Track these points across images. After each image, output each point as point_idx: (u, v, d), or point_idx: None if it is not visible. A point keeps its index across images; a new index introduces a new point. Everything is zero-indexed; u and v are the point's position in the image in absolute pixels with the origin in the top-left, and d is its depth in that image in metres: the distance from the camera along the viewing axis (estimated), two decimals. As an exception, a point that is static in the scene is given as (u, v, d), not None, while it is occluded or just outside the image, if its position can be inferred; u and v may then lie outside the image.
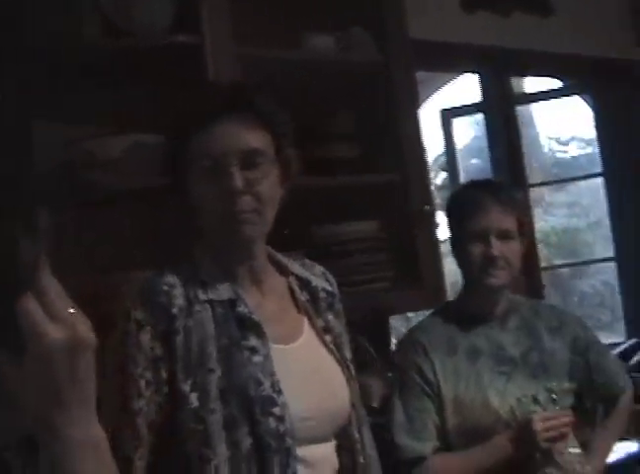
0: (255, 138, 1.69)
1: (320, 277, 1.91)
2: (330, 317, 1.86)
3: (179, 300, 1.64)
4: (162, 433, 1.62)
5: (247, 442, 1.58)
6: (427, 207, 2.73)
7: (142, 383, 1.60)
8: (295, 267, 1.86)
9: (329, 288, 1.90)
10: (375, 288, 2.69)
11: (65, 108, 2.41)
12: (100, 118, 2.47)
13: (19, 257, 0.87)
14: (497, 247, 2.37)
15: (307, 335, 1.79)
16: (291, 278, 1.84)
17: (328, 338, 1.82)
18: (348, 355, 1.87)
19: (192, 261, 1.74)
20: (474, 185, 2.56)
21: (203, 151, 1.67)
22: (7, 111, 2.16)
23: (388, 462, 2.31)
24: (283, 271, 1.84)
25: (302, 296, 1.83)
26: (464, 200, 2.47)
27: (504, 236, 2.39)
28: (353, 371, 1.84)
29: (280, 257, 1.85)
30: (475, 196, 2.45)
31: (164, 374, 1.61)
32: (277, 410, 1.60)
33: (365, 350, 3.00)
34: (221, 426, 1.58)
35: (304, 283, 1.85)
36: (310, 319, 1.82)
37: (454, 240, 2.48)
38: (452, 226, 2.50)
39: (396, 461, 2.32)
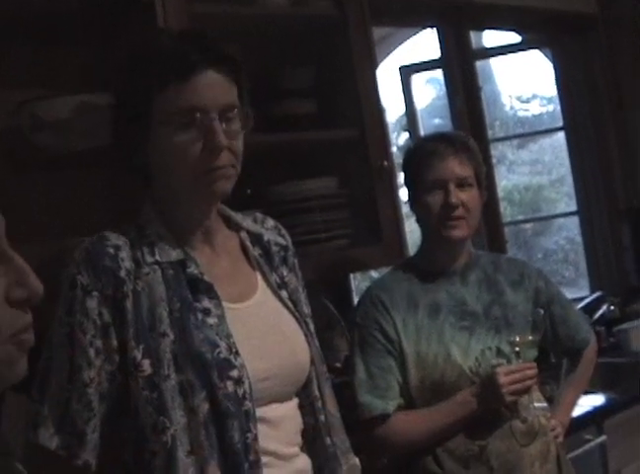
0: (230, 92, 1.63)
1: (272, 231, 1.86)
2: (285, 272, 1.82)
3: (126, 263, 1.58)
4: (115, 403, 1.57)
5: (205, 408, 1.53)
6: (386, 163, 2.70)
7: (92, 352, 1.54)
8: (247, 221, 1.81)
9: (282, 242, 1.85)
10: (336, 245, 2.66)
11: (9, 70, 2.34)
12: (45, 79, 2.40)
13: None
14: (456, 195, 2.35)
15: (262, 292, 1.74)
16: (243, 234, 1.79)
17: (284, 293, 1.77)
18: (306, 310, 1.83)
19: (138, 222, 1.68)
20: (429, 137, 2.53)
21: (184, 104, 1.58)
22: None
23: (352, 421, 2.31)
24: (234, 226, 1.79)
25: (255, 252, 1.78)
26: (420, 153, 2.44)
27: (462, 184, 2.36)
28: (311, 327, 1.80)
29: (230, 212, 1.79)
30: (431, 146, 2.42)
31: (114, 341, 1.55)
32: (234, 373, 1.55)
33: (328, 309, 2.98)
34: (177, 392, 1.53)
35: (256, 238, 1.80)
36: (264, 275, 1.76)
37: (413, 194, 2.45)
38: (410, 180, 2.46)
39: (359, 420, 2.31)
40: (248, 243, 1.78)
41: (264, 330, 1.67)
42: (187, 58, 1.59)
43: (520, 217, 6.28)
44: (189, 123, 1.58)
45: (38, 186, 2.37)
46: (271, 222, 1.88)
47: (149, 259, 1.61)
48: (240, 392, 1.55)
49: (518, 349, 2.32)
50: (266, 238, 1.81)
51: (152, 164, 1.65)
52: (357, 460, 1.85)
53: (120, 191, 2.29)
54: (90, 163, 2.35)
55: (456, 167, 2.36)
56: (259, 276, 1.76)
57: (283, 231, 1.89)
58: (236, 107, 1.64)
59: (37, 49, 2.37)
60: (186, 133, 1.58)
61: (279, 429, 1.65)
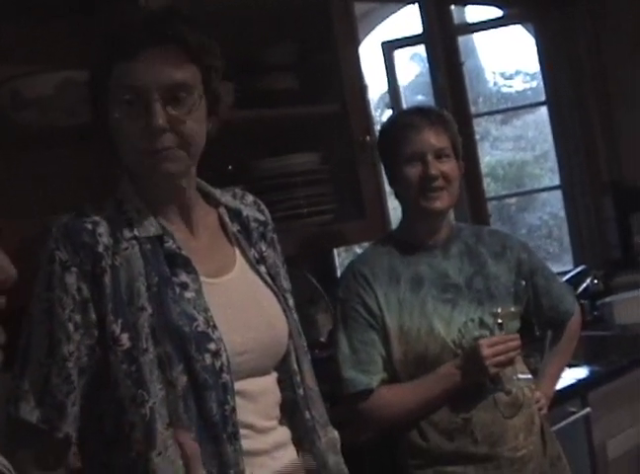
0: (180, 72, 1.59)
1: (251, 207, 1.86)
2: (263, 247, 1.82)
3: (104, 238, 1.58)
4: (94, 377, 1.58)
5: (183, 381, 1.54)
6: (368, 138, 2.69)
7: (71, 326, 1.55)
8: (225, 197, 1.81)
9: (261, 218, 1.86)
10: (319, 221, 2.66)
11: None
12: (30, 56, 2.38)
13: None
14: (435, 165, 2.34)
15: (240, 267, 1.75)
16: (222, 209, 1.79)
17: (262, 268, 1.78)
18: (285, 284, 1.83)
19: (116, 196, 1.68)
20: (403, 111, 2.54)
21: (125, 84, 1.58)
22: None
23: (337, 396, 2.31)
24: (213, 202, 1.79)
25: (233, 227, 1.78)
26: (395, 126, 2.43)
27: (440, 155, 2.36)
28: (290, 302, 1.81)
29: (209, 188, 1.79)
30: (406, 120, 2.42)
31: (93, 316, 1.56)
32: (212, 346, 1.57)
33: (311, 284, 2.98)
34: (155, 365, 1.54)
35: (235, 214, 1.80)
36: (242, 250, 1.77)
37: (390, 169, 2.44)
38: (387, 155, 2.45)
39: (343, 395, 2.31)
40: (226, 219, 1.78)
41: (241, 304, 1.68)
42: (130, 37, 1.58)
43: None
44: (130, 103, 1.58)
45: (22, 163, 2.35)
46: (250, 198, 1.88)
47: (127, 234, 1.61)
48: (218, 365, 1.56)
49: (500, 320, 2.31)
50: (244, 214, 1.81)
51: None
52: (335, 433, 1.86)
53: (106, 168, 2.27)
54: (74, 140, 2.34)
55: (433, 138, 2.36)
56: (237, 252, 1.77)
57: (262, 207, 1.89)
58: (187, 87, 1.60)
59: (22, 26, 2.34)
60: (127, 113, 1.59)
61: (257, 402, 1.67)
